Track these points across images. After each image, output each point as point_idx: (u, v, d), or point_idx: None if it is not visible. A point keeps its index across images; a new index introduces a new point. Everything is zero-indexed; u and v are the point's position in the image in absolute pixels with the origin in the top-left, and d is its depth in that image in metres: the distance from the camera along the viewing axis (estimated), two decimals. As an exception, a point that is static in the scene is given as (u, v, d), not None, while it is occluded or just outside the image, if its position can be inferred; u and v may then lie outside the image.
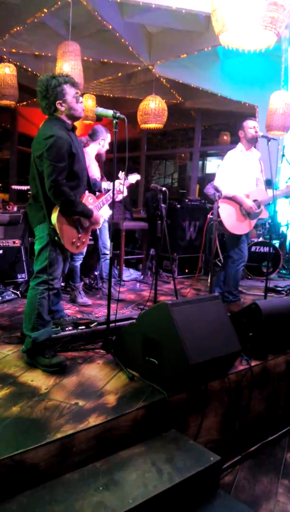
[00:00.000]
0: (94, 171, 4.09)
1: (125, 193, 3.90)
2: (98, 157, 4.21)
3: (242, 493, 2.29)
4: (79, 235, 2.70)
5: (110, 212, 4.06)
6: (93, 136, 4.19)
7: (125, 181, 3.76)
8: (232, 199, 3.88)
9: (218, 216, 3.80)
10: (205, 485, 1.92)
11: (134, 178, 4.03)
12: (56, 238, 2.53)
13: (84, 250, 4.09)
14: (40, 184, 2.49)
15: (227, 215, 3.86)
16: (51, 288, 2.56)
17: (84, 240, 2.77)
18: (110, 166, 3.02)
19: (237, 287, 4.16)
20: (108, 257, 4.29)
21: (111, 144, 4.17)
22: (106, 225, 4.25)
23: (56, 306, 3.15)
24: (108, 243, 4.26)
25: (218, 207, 3.79)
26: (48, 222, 2.51)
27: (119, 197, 3.76)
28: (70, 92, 2.55)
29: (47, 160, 2.42)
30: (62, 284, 4.30)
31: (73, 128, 2.65)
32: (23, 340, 2.82)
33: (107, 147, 4.22)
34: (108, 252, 4.29)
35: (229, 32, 2.87)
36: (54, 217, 2.51)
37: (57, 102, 2.54)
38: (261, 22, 2.74)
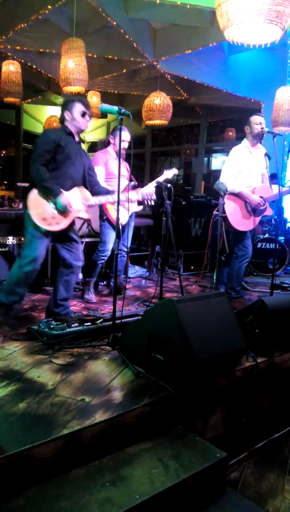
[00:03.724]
0: (115, 170, 4.05)
1: (154, 197, 3.90)
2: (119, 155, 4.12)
3: (249, 490, 2.29)
4: (53, 214, 3.01)
5: (139, 208, 4.05)
6: (110, 135, 4.19)
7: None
8: (237, 195, 3.86)
9: (224, 212, 3.79)
10: (211, 481, 1.92)
11: (171, 173, 4.02)
12: (26, 211, 2.98)
13: (109, 248, 4.06)
14: None
15: (232, 211, 3.85)
16: (27, 263, 3.03)
17: (58, 221, 3.03)
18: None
19: (240, 283, 4.15)
20: (124, 253, 4.29)
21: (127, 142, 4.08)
22: (132, 224, 4.25)
23: (63, 302, 3.25)
24: (128, 242, 4.26)
25: (224, 203, 3.78)
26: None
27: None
28: (78, 107, 3.11)
29: (34, 151, 3.00)
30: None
31: (74, 135, 3.14)
32: (29, 337, 2.85)
33: (122, 145, 4.08)
34: (125, 250, 4.30)
35: (234, 27, 2.85)
36: (29, 194, 2.99)
37: (66, 112, 3.13)
38: (266, 16, 2.71)
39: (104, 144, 4.22)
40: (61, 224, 3.05)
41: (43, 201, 2.99)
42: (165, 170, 4.02)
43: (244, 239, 3.96)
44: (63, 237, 3.19)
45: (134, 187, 3.76)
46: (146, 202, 3.72)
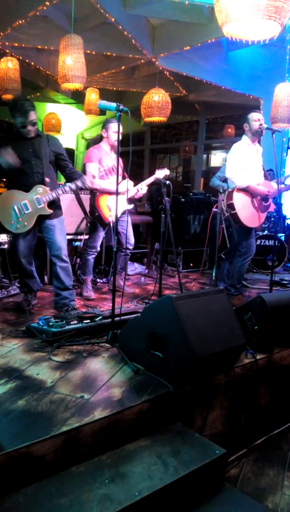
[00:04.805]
0: (107, 163, 4.05)
1: (144, 190, 3.94)
2: (112, 149, 4.10)
3: (248, 486, 2.30)
4: (19, 218, 3.27)
5: (129, 206, 4.07)
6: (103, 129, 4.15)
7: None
8: (246, 190, 3.84)
9: (233, 208, 3.77)
10: (211, 478, 1.92)
11: (162, 173, 4.01)
12: None
13: (98, 245, 4.09)
14: None
15: (242, 206, 3.82)
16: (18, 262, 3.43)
17: (26, 223, 3.28)
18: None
19: (240, 281, 4.14)
20: (128, 252, 4.29)
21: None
22: (129, 219, 4.24)
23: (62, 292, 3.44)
24: (132, 239, 4.26)
25: (232, 199, 3.76)
26: None
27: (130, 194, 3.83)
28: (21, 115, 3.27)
29: None
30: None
31: (21, 137, 3.33)
32: (28, 334, 2.85)
33: (114, 137, 4.03)
34: (131, 247, 4.29)
35: (233, 23, 2.83)
36: None
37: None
38: (265, 12, 2.70)
39: (96, 141, 4.21)
40: (28, 224, 3.30)
41: (10, 206, 3.28)
42: (157, 170, 4.02)
43: (249, 237, 3.95)
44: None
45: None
46: (136, 196, 3.76)
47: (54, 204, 3.40)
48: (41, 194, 3.28)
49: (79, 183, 3.35)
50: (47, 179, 3.32)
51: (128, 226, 4.18)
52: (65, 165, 3.48)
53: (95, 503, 1.56)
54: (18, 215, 3.26)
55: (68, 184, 3.37)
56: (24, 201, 3.27)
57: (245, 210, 3.83)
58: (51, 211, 3.33)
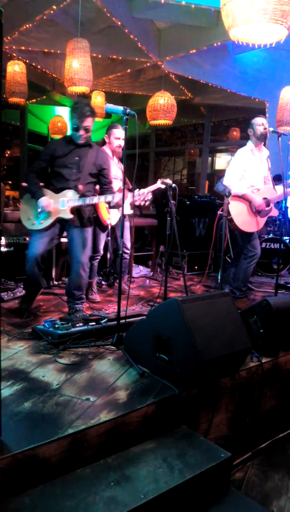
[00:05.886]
0: (111, 172, 4.06)
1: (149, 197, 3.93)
2: (114, 154, 4.13)
3: (253, 490, 2.29)
4: (38, 215, 3.28)
5: (130, 212, 4.08)
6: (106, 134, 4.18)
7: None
8: (242, 197, 3.87)
9: (229, 213, 3.79)
10: (216, 481, 1.92)
11: (165, 182, 4.01)
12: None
13: (101, 248, 4.11)
14: None
15: (238, 213, 3.85)
16: (27, 260, 3.26)
17: (42, 221, 3.27)
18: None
19: (246, 283, 4.15)
20: (126, 256, 4.30)
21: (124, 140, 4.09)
22: (127, 224, 4.25)
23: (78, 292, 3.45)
24: (128, 243, 4.28)
25: (228, 204, 3.77)
26: None
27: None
28: (73, 119, 3.26)
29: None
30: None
31: (74, 143, 3.33)
32: (34, 336, 2.86)
33: (116, 143, 4.10)
34: (127, 251, 4.31)
35: (239, 27, 2.85)
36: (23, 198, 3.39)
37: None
38: (271, 16, 2.71)
39: (99, 145, 4.22)
40: (45, 223, 3.28)
41: (30, 204, 3.34)
42: (159, 180, 4.00)
43: (252, 240, 3.96)
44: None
45: (129, 190, 3.76)
46: (141, 203, 3.73)
47: (81, 214, 3.34)
48: (68, 197, 3.25)
49: (109, 197, 3.27)
50: (80, 187, 3.29)
51: (125, 230, 4.19)
52: (104, 181, 3.46)
53: (100, 506, 1.57)
54: (38, 212, 3.26)
55: (98, 196, 3.32)
56: (50, 200, 3.25)
57: (241, 216, 3.86)
58: (72, 216, 3.26)
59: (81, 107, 3.21)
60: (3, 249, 4.24)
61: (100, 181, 3.46)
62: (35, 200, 3.26)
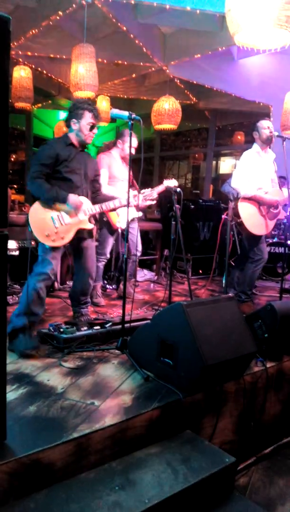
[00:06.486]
0: (117, 173, 4.09)
1: (154, 195, 3.95)
2: (123, 160, 4.15)
3: (257, 495, 2.28)
4: (56, 230, 2.93)
5: (138, 214, 4.10)
6: (117, 138, 4.20)
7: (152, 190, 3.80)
8: (251, 199, 3.85)
9: (239, 216, 3.78)
10: (220, 486, 1.92)
11: (171, 182, 4.03)
12: (29, 229, 2.87)
13: (108, 251, 4.11)
14: None
15: (248, 215, 3.83)
16: (40, 280, 2.89)
17: (63, 236, 2.95)
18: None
19: (251, 287, 4.14)
20: (136, 258, 4.31)
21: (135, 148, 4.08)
22: (135, 226, 4.27)
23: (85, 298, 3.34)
24: (140, 245, 4.28)
25: (237, 207, 3.76)
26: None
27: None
28: (87, 118, 2.99)
29: (33, 159, 2.96)
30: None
31: (74, 146, 3.04)
32: (39, 340, 2.86)
33: (127, 151, 4.10)
34: (139, 254, 4.31)
35: (244, 32, 2.86)
36: (30, 210, 2.93)
37: (72, 120, 3.01)
38: (276, 22, 2.73)
39: (109, 146, 4.23)
40: (66, 238, 2.98)
41: (44, 217, 2.93)
42: (165, 180, 4.03)
43: (259, 244, 3.95)
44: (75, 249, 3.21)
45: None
46: (147, 202, 3.74)
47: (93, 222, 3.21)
48: (87, 205, 3.05)
49: (117, 202, 3.22)
50: (90, 193, 3.18)
51: (137, 233, 4.21)
52: (97, 187, 3.34)
53: (105, 510, 1.57)
54: (55, 227, 2.92)
55: (109, 201, 3.24)
56: (63, 211, 2.96)
57: (251, 218, 3.84)
58: (93, 226, 3.12)
59: (94, 107, 3.04)
60: (9, 253, 4.27)
61: (93, 186, 3.29)
62: (51, 210, 2.93)
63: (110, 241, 4.13)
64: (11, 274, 4.30)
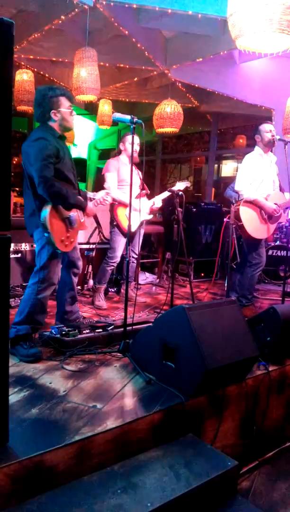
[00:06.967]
0: (126, 177, 4.09)
1: (159, 204, 3.97)
2: (130, 161, 4.16)
3: (260, 499, 2.27)
4: (68, 234, 2.77)
5: (149, 217, 4.14)
6: (119, 143, 4.24)
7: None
8: (253, 203, 3.86)
9: (239, 220, 3.78)
10: (222, 490, 1.91)
11: (183, 184, 4.05)
12: (46, 234, 2.64)
13: (119, 255, 4.09)
14: (31, 186, 2.66)
15: (249, 219, 3.83)
16: (45, 288, 2.75)
17: (72, 239, 2.83)
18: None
19: (251, 291, 4.13)
20: (133, 259, 4.31)
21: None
22: (142, 231, 4.28)
23: (71, 307, 3.23)
24: (137, 249, 4.29)
25: (238, 211, 3.77)
26: (38, 218, 2.64)
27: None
28: (65, 104, 2.74)
29: (36, 160, 2.56)
30: (78, 287, 4.35)
31: (62, 137, 2.83)
32: (41, 343, 2.87)
33: (130, 151, 4.09)
34: (135, 256, 4.33)
35: (246, 36, 2.87)
36: (45, 213, 2.62)
37: (52, 111, 2.72)
38: (278, 26, 2.73)
39: (115, 155, 4.29)
40: (74, 242, 2.87)
41: (59, 221, 2.71)
42: (177, 182, 4.06)
43: (258, 248, 3.95)
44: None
45: (146, 196, 3.80)
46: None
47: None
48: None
49: (90, 194, 3.16)
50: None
51: (140, 236, 4.23)
52: None
53: (107, 513, 1.57)
54: (67, 231, 2.76)
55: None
56: (72, 214, 2.79)
57: (251, 222, 3.84)
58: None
59: (64, 89, 2.80)
60: (11, 255, 4.27)
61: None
62: (64, 214, 2.74)
63: (123, 243, 4.10)
64: (13, 276, 4.31)
